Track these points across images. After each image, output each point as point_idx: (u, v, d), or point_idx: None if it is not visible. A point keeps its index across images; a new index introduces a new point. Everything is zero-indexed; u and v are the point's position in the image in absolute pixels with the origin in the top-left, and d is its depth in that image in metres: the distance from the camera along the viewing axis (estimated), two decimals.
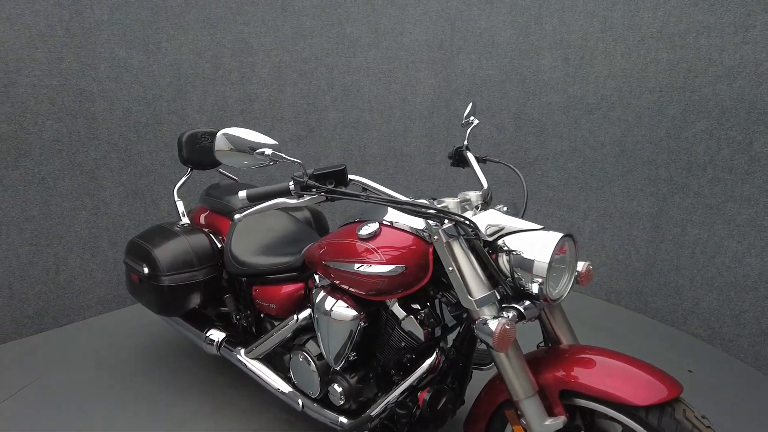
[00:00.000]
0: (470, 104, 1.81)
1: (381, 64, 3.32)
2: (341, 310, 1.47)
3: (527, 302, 1.19)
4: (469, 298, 1.19)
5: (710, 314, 2.48)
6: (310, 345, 1.68)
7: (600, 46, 2.74)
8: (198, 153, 2.27)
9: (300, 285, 1.82)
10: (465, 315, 1.41)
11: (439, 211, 1.19)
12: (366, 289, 1.40)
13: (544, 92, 3.00)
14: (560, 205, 3.07)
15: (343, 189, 1.25)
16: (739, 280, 2.33)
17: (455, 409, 1.50)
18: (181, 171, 3.07)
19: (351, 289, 1.46)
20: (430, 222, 1.28)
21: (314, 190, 1.25)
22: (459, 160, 1.75)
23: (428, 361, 1.45)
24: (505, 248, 1.22)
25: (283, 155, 1.26)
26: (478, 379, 1.59)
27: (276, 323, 1.90)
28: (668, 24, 2.47)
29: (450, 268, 1.22)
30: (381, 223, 1.42)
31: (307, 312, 1.75)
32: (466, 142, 1.74)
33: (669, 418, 1.05)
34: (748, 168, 2.23)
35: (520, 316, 1.15)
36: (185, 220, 2.28)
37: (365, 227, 1.41)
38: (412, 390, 1.48)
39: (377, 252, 1.36)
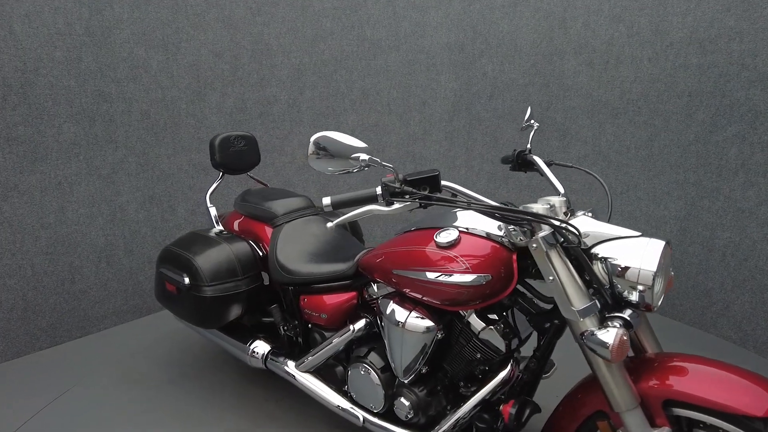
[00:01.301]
0: (528, 108, 1.78)
1: (401, 67, 3.28)
2: (416, 321, 1.42)
3: (629, 311, 1.16)
4: (572, 308, 1.16)
5: (742, 317, 2.50)
6: (373, 357, 1.62)
7: (626, 50, 2.75)
8: (231, 157, 2.20)
9: (353, 294, 1.77)
10: (548, 325, 1.37)
11: (545, 217, 1.15)
12: (444, 300, 1.36)
13: (568, 96, 3.00)
14: (583, 208, 3.07)
15: (438, 195, 1.21)
16: None
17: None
18: (198, 175, 2.98)
19: (425, 299, 1.41)
20: (517, 229, 1.25)
21: (407, 197, 1.21)
22: (521, 164, 1.72)
23: (503, 373, 1.41)
24: (601, 256, 1.20)
25: (378, 160, 1.22)
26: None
27: (326, 334, 1.83)
28: (698, 29, 2.49)
29: (551, 278, 1.18)
30: (459, 230, 1.38)
31: (362, 322, 1.70)
32: (529, 146, 1.70)
33: None
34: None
35: (627, 325, 1.12)
36: (219, 227, 2.20)
37: (444, 234, 1.37)
38: (485, 403, 1.44)
39: (459, 260, 1.32)
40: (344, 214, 1.40)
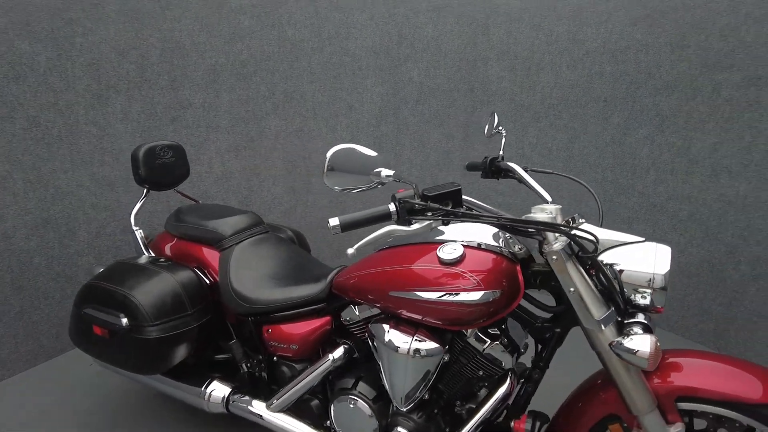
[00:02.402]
0: (495, 115, 1.76)
1: (325, 70, 3.14)
2: (421, 345, 1.32)
3: (641, 315, 1.18)
4: (594, 318, 1.15)
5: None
6: (362, 387, 1.49)
7: (546, 57, 2.91)
8: (158, 170, 1.92)
9: (326, 319, 1.62)
10: (548, 335, 1.36)
11: (567, 227, 1.12)
12: (450, 319, 1.28)
13: (492, 101, 3.10)
14: (509, 209, 3.20)
15: (462, 210, 1.13)
16: (682, 268, 2.65)
17: None
18: (102, 192, 2.58)
19: (425, 319, 1.32)
20: (529, 239, 1.22)
21: (430, 214, 1.11)
22: (494, 171, 1.70)
23: (503, 388, 1.37)
24: (607, 262, 1.21)
25: (401, 176, 1.11)
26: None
27: (297, 366, 1.66)
28: (610, 40, 2.71)
29: (572, 289, 1.16)
30: (463, 245, 1.31)
31: (341, 350, 1.56)
32: (501, 153, 1.69)
33: None
34: (687, 170, 2.54)
35: (648, 329, 1.14)
36: (148, 253, 1.91)
37: (448, 249, 1.29)
38: (486, 422, 1.39)
39: (467, 277, 1.25)
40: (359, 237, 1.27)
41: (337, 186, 1.14)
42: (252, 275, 1.70)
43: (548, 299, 1.36)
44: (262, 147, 3.12)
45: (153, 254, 1.91)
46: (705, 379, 1.16)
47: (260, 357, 1.70)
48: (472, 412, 1.40)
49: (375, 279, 1.39)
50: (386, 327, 1.38)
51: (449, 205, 1.15)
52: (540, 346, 1.42)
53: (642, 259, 1.19)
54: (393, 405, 1.46)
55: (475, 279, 1.25)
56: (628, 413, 1.22)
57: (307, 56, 3.10)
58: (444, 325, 1.32)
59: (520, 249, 1.34)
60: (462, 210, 1.13)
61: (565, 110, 2.91)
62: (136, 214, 1.92)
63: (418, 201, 1.11)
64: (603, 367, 1.25)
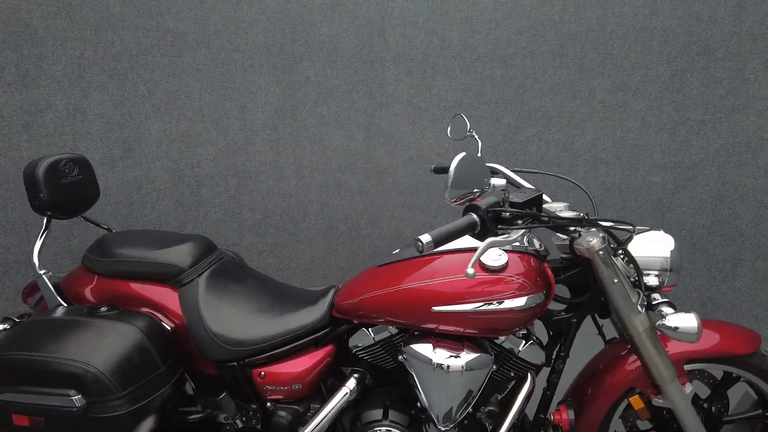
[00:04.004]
0: (464, 117, 1.76)
1: (214, 67, 2.80)
2: (474, 359, 1.26)
3: (656, 295, 1.31)
4: (635, 303, 1.23)
5: None
6: (394, 415, 1.36)
7: (441, 61, 3.04)
8: (63, 193, 1.49)
9: (329, 348, 1.45)
10: (566, 326, 1.42)
11: (621, 222, 1.19)
12: (499, 328, 1.26)
13: (391, 104, 3.12)
14: (412, 208, 3.27)
15: (554, 215, 1.11)
16: None
17: None
18: None
19: (467, 331, 1.27)
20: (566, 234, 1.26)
21: (520, 222, 1.06)
22: None
23: (526, 387, 1.40)
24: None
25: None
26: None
27: (299, 409, 1.44)
28: (499, 47, 2.94)
29: (615, 280, 1.22)
30: (503, 249, 1.30)
31: (354, 380, 1.42)
32: (480, 154, 1.71)
33: (761, 357, 1.36)
34: (571, 162, 2.91)
35: (672, 305, 1.26)
36: (62, 301, 1.47)
37: (491, 256, 1.25)
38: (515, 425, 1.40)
39: (515, 282, 1.24)
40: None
41: (454, 197, 1.07)
42: (231, 312, 1.42)
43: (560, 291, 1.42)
44: (142, 156, 2.65)
45: (68, 302, 1.47)
46: (706, 342, 1.35)
47: (253, 407, 1.44)
48: (495, 415, 1.40)
49: (408, 296, 1.29)
50: (429, 346, 1.29)
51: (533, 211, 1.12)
52: (556, 338, 1.48)
53: (648, 246, 1.33)
54: (427, 426, 1.38)
55: (523, 283, 1.24)
56: (646, 384, 1.36)
57: (191, 51, 2.72)
58: (486, 334, 1.29)
59: (541, 246, 1.38)
60: (554, 215, 1.11)
61: (460, 112, 3.08)
62: (39, 252, 1.46)
63: (510, 209, 1.06)
64: (629, 345, 1.38)
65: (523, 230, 1.10)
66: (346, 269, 3.38)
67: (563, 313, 1.43)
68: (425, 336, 1.33)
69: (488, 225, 1.07)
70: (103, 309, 1.35)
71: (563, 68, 2.84)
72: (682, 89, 2.59)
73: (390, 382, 1.48)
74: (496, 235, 1.09)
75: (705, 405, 1.49)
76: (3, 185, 2.14)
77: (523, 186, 1.57)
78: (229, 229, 3.07)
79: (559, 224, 1.17)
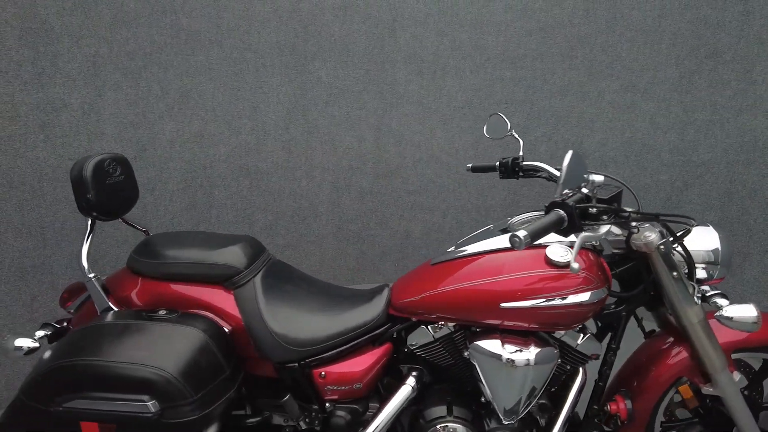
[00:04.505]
0: (500, 115, 1.79)
1: (226, 66, 2.76)
2: (540, 353, 1.29)
3: (706, 287, 1.36)
4: (691, 295, 1.28)
5: None
6: (459, 411, 1.38)
7: (451, 62, 3.07)
8: (108, 194, 1.45)
9: (386, 347, 1.46)
10: (616, 319, 1.46)
11: (683, 216, 1.23)
12: (567, 322, 1.29)
13: (401, 104, 3.14)
14: (422, 208, 3.29)
15: (638, 211, 1.14)
16: None
17: None
18: None
19: (531, 327, 1.30)
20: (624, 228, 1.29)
21: (605, 217, 1.09)
22: (516, 171, 1.73)
23: (579, 379, 1.44)
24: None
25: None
26: None
27: (359, 408, 1.44)
28: (509, 48, 2.99)
29: (675, 274, 1.26)
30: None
31: (412, 377, 1.43)
32: (522, 153, 1.73)
33: None
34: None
35: (725, 296, 1.32)
36: (108, 303, 1.43)
37: (559, 251, 1.28)
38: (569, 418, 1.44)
39: (582, 276, 1.27)
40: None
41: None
42: (291, 312, 1.41)
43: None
44: (155, 156, 2.59)
45: (114, 306, 1.43)
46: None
47: (314, 408, 1.43)
48: (547, 409, 1.43)
49: (476, 294, 1.30)
50: (497, 342, 1.31)
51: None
52: (602, 330, 1.52)
53: (697, 239, 1.38)
54: (488, 421, 1.40)
55: (589, 278, 1.27)
56: (695, 374, 1.41)
57: (204, 50, 2.67)
58: (549, 329, 1.32)
59: (596, 241, 1.41)
60: (633, 211, 1.15)
61: (470, 112, 3.12)
62: (87, 256, 1.42)
63: (598, 205, 1.08)
64: (671, 337, 1.43)
65: (609, 225, 1.13)
66: (356, 270, 3.38)
67: (613, 307, 1.47)
68: (489, 332, 1.35)
69: (575, 220, 1.10)
70: (162, 312, 1.32)
71: (572, 70, 2.91)
72: (690, 90, 2.69)
73: (444, 379, 1.50)
74: (581, 230, 1.12)
75: (745, 393, 1.55)
76: (19, 187, 2.06)
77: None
78: (241, 230, 3.02)
79: (636, 219, 1.20)
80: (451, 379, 1.48)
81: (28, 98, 2.06)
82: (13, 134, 2.03)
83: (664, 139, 2.79)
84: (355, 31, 3.03)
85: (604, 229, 1.17)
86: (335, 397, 1.43)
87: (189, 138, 2.71)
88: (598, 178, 1.21)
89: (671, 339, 1.50)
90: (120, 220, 1.61)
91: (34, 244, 2.14)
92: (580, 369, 1.45)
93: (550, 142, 3.03)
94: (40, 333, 1.49)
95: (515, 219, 1.52)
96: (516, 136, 1.79)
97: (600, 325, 1.52)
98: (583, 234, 1.11)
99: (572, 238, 1.34)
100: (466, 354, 1.36)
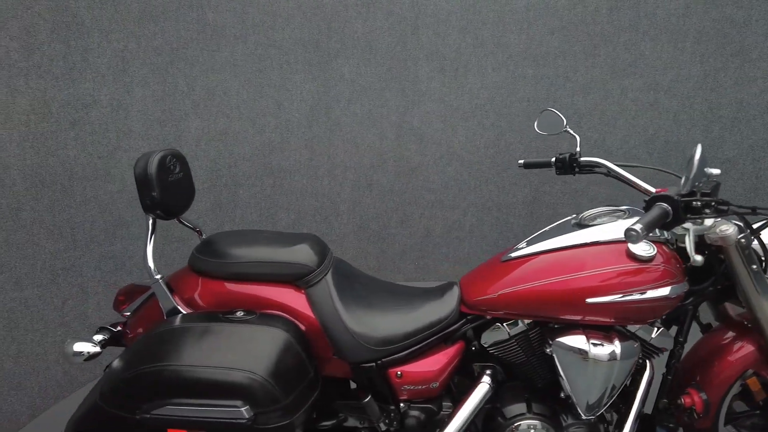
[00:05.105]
0: (552, 111, 1.78)
1: (251, 63, 2.70)
2: (624, 348, 1.28)
3: None
4: None
5: None
6: (538, 407, 1.37)
7: (473, 60, 3.06)
8: (171, 192, 1.40)
9: (459, 345, 1.44)
10: (683, 313, 1.46)
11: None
12: (648, 317, 1.30)
13: (423, 101, 3.12)
14: (442, 206, 3.28)
15: (743, 205, 1.14)
16: None
17: None
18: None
19: (612, 322, 1.30)
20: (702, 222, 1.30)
21: (708, 210, 1.09)
22: (572, 167, 1.73)
23: (647, 374, 1.44)
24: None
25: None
26: None
27: (434, 408, 1.42)
28: (531, 46, 3.00)
29: (754, 266, 1.27)
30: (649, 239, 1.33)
31: (488, 375, 1.41)
32: (579, 149, 1.73)
33: None
34: (604, 158, 3.00)
35: None
36: (175, 305, 1.38)
37: (642, 246, 1.28)
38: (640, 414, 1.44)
39: (663, 271, 1.27)
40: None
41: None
42: (365, 311, 1.38)
43: None
44: None
45: (185, 308, 1.38)
46: None
47: (391, 408, 1.40)
48: (614, 404, 1.44)
49: (561, 290, 1.29)
50: (581, 338, 1.30)
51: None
52: (667, 324, 1.52)
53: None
54: (565, 416, 1.39)
55: (670, 272, 1.28)
56: (764, 366, 1.42)
57: (229, 45, 2.62)
58: (628, 323, 1.32)
59: (669, 235, 1.42)
60: (731, 204, 1.15)
61: (492, 110, 3.12)
62: (153, 256, 1.36)
63: (702, 198, 1.09)
64: (732, 330, 1.45)
65: (714, 218, 1.14)
66: (376, 269, 3.35)
67: (683, 300, 1.48)
68: (569, 328, 1.35)
69: (680, 214, 1.10)
70: (240, 313, 1.27)
71: (595, 68, 2.93)
72: (715, 88, 2.74)
73: (514, 377, 1.49)
74: (683, 223, 1.12)
75: None
76: (51, 186, 1.98)
77: (632, 181, 1.61)
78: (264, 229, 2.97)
79: (736, 212, 1.20)
80: (521, 376, 1.47)
81: (60, 94, 1.98)
82: (45, 132, 1.94)
83: (688, 136, 2.83)
84: (378, 28, 3.00)
85: (708, 222, 1.17)
86: (410, 396, 1.40)
87: (214, 136, 2.65)
88: (715, 171, 1.22)
89: (733, 332, 1.52)
90: (177, 220, 1.56)
91: (64, 246, 2.06)
92: (647, 363, 1.45)
93: (572, 139, 3.05)
94: (98, 337, 1.42)
95: (586, 214, 1.51)
96: (571, 131, 1.78)
97: (663, 318, 1.53)
98: (694, 227, 1.12)
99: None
100: (548, 350, 1.35)
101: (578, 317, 1.31)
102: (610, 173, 1.67)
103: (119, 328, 1.49)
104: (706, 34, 2.69)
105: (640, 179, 1.56)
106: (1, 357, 1.83)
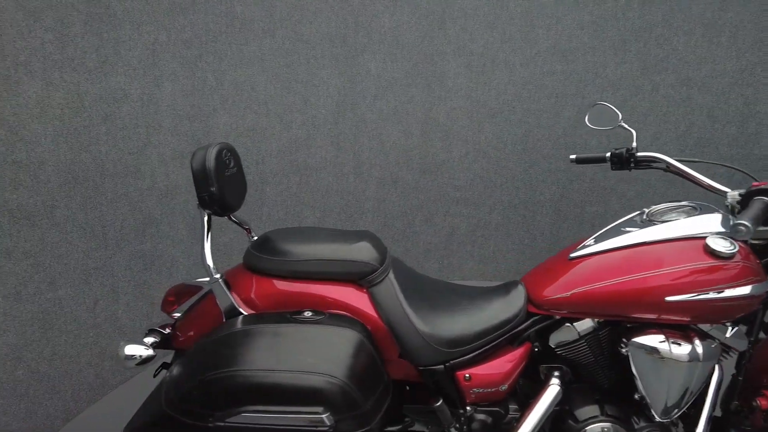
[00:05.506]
0: (605, 104, 1.73)
1: (278, 57, 2.64)
2: (706, 349, 1.24)
3: None
4: None
5: None
6: (611, 409, 1.32)
7: (500, 55, 3.01)
8: (227, 187, 1.34)
9: (527, 346, 1.39)
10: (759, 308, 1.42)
11: None
12: (727, 315, 1.25)
13: (449, 97, 3.07)
14: (467, 204, 3.22)
15: None
16: None
17: None
18: (18, 233, 1.67)
19: (689, 321, 1.25)
20: None
21: None
22: (627, 162, 1.68)
23: (716, 375, 1.40)
24: None
25: None
26: None
27: (501, 411, 1.36)
28: (560, 42, 2.95)
29: None
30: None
31: (557, 377, 1.36)
32: (635, 144, 1.68)
33: None
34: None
35: None
36: (235, 306, 1.32)
37: (720, 243, 1.23)
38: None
39: (746, 267, 1.23)
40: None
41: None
42: (432, 311, 1.32)
43: None
44: None
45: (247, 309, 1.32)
46: None
47: (461, 412, 1.35)
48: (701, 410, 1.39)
49: (637, 287, 1.24)
50: (660, 338, 1.25)
51: None
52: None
53: None
54: (636, 419, 1.34)
55: (750, 269, 1.23)
56: None
57: (257, 39, 2.55)
58: (706, 322, 1.27)
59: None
60: None
61: (519, 106, 3.07)
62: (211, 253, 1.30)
63: None
64: None
65: None
66: None
67: None
68: (645, 328, 1.30)
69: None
70: (308, 313, 1.21)
71: (625, 63, 2.89)
72: (752, 83, 2.70)
73: (580, 378, 1.44)
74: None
75: None
76: (83, 183, 1.92)
77: (693, 176, 1.56)
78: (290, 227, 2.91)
79: None
80: (586, 377, 1.42)
81: (93, 88, 1.92)
82: (78, 126, 1.88)
83: (723, 133, 2.80)
84: (405, 22, 2.95)
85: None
86: (478, 400, 1.35)
87: (242, 132, 2.59)
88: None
89: None
90: (228, 218, 1.50)
91: (96, 244, 1.99)
92: (716, 364, 1.41)
93: (602, 136, 3.01)
94: (149, 339, 1.36)
95: (654, 210, 1.46)
96: (626, 126, 1.73)
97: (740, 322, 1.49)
98: None
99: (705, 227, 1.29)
100: (623, 350, 1.30)
101: (655, 316, 1.26)
102: (669, 169, 1.62)
103: (168, 330, 1.43)
104: (743, 28, 2.65)
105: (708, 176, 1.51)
106: (37, 360, 1.77)
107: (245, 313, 1.28)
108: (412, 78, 3.03)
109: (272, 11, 2.58)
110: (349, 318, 1.23)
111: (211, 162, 1.27)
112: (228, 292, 1.29)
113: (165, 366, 1.45)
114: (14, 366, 1.69)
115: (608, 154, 1.74)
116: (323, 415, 1.03)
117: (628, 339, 1.29)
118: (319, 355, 1.08)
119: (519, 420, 1.33)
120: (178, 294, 1.46)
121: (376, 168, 3.09)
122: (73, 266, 1.90)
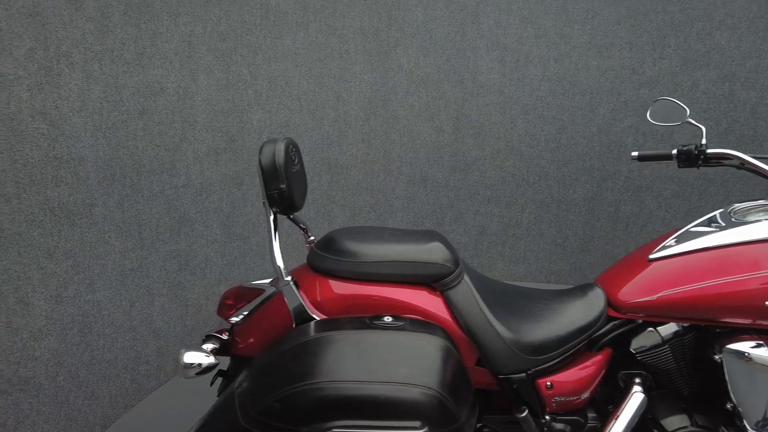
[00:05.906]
0: (670, 99, 1.66)
1: (311, 51, 2.56)
2: None
3: None
4: None
5: None
6: (701, 419, 1.24)
7: (534, 50, 2.94)
8: (294, 184, 1.27)
9: (607, 352, 1.31)
10: None
11: None
12: None
13: (482, 93, 2.99)
14: (498, 202, 3.15)
15: None
16: None
17: None
18: (61, 228, 1.60)
19: None
20: None
21: None
22: (695, 159, 1.60)
23: None
24: None
25: None
26: None
27: (579, 419, 1.29)
28: (596, 37, 2.88)
29: None
30: None
31: (638, 384, 1.29)
32: (704, 141, 1.61)
33: None
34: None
35: None
36: (307, 310, 1.24)
37: None
38: None
39: None
40: None
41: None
42: (511, 317, 1.25)
43: None
44: (244, 148, 2.38)
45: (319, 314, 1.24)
46: None
47: (543, 422, 1.27)
48: None
49: (733, 290, 1.17)
50: (760, 344, 1.18)
51: None
52: None
53: None
54: (725, 429, 1.27)
55: None
56: None
57: (291, 32, 2.48)
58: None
59: None
60: None
61: (553, 102, 3.00)
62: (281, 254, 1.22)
63: None
64: None
65: None
66: None
67: None
68: (739, 333, 1.23)
69: None
70: (389, 319, 1.14)
71: (664, 59, 2.82)
72: None
73: (660, 384, 1.37)
74: None
75: None
76: (121, 180, 1.84)
77: (764, 171, 1.49)
78: (320, 227, 2.83)
79: None
80: (667, 384, 1.35)
81: (131, 81, 1.84)
82: (117, 121, 1.80)
83: (767, 130, 2.73)
84: (438, 17, 2.87)
85: None
86: (559, 409, 1.28)
87: (276, 128, 2.51)
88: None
89: None
90: (289, 218, 1.42)
91: (132, 244, 1.91)
92: None
93: (638, 134, 2.94)
94: (208, 346, 1.28)
95: (737, 208, 1.39)
96: (695, 122, 1.65)
97: None
98: None
99: None
100: (717, 357, 1.23)
101: (750, 320, 1.19)
102: (743, 165, 1.54)
103: (225, 335, 1.35)
104: None
105: None
106: (76, 365, 1.69)
107: (317, 318, 1.20)
108: (444, 73, 2.96)
109: (306, 3, 2.50)
110: (432, 324, 1.15)
111: (281, 157, 1.19)
112: (300, 296, 1.22)
113: (221, 373, 1.37)
114: (56, 372, 1.61)
115: (674, 151, 1.66)
116: (421, 431, 0.95)
117: (721, 345, 1.22)
118: (412, 364, 1.00)
119: (602, 429, 1.26)
120: (237, 297, 1.38)
121: (406, 165, 3.02)
122: (110, 267, 1.82)
